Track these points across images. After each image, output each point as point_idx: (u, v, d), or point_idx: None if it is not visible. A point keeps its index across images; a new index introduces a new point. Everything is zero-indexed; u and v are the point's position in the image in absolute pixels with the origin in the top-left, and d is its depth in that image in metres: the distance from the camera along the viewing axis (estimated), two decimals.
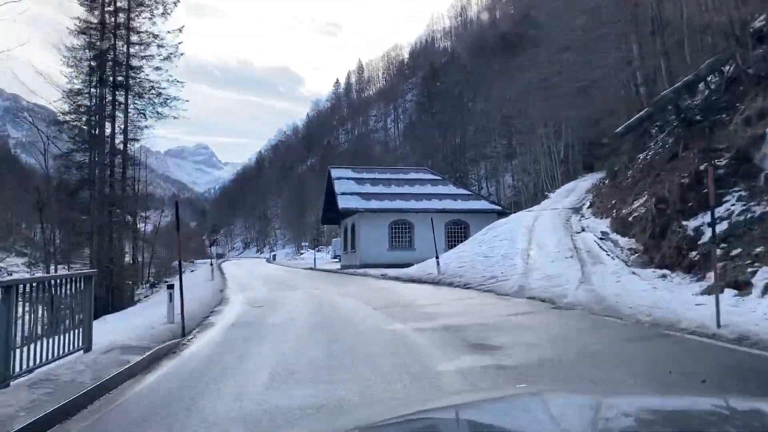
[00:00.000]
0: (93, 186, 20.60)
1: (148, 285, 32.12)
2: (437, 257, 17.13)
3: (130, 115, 28.07)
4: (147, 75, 27.91)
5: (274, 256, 76.13)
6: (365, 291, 15.40)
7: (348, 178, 34.34)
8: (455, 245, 32.77)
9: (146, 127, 28.92)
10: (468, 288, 14.22)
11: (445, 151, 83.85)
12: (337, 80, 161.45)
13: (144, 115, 28.57)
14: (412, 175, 35.79)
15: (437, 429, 1.52)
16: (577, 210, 27.41)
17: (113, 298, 21.65)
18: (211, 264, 23.49)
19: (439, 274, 16.71)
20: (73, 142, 24.30)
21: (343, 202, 31.76)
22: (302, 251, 74.29)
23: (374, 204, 32.09)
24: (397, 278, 19.93)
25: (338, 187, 33.19)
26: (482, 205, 33.73)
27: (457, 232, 33.05)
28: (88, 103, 26.19)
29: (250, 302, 13.72)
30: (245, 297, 15.29)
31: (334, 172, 35.15)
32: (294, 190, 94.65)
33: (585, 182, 35.82)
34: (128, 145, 27.15)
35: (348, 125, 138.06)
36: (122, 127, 26.44)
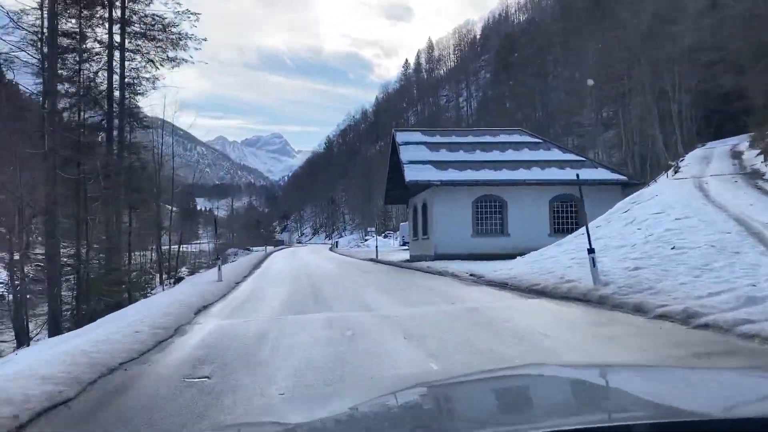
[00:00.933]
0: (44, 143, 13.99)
1: (173, 281, 25.87)
2: (591, 249, 8.87)
3: (133, 63, 21.53)
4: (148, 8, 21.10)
5: (337, 243, 69.90)
6: (452, 323, 7.45)
7: (417, 143, 26.33)
8: (565, 230, 24.22)
9: (156, 78, 22.37)
10: (706, 327, 5.94)
11: (526, 126, 75.31)
12: (407, 61, 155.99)
13: (153, 62, 21.98)
14: (503, 138, 27.21)
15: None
16: (752, 175, 19.55)
17: (81, 307, 15.21)
18: (218, 257, 16.34)
19: (599, 282, 8.50)
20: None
21: (411, 173, 23.87)
22: (367, 237, 67.36)
23: (453, 175, 23.97)
24: (502, 285, 11.87)
25: (405, 154, 25.27)
26: (600, 174, 24.76)
27: (567, 212, 24.43)
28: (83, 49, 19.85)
29: (202, 356, 6.19)
30: (216, 334, 7.79)
31: (400, 136, 27.21)
32: (362, 175, 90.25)
33: (721, 147, 27.86)
34: (130, 99, 20.71)
35: (418, 106, 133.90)
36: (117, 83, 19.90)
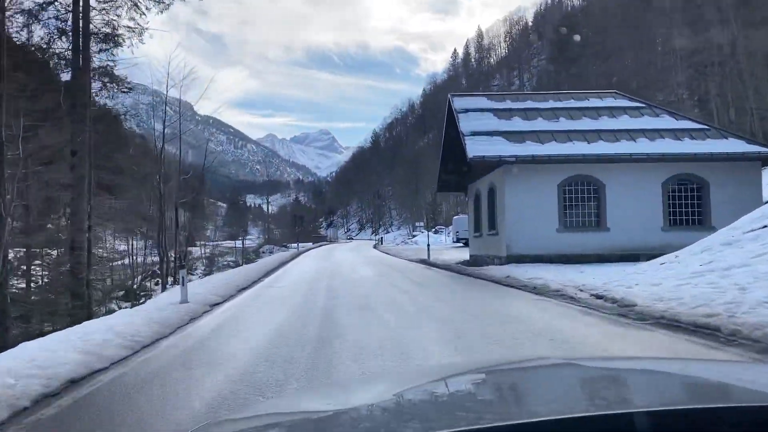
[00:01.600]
0: None
1: (173, 283, 21.03)
2: None
3: (113, 4, 16.54)
4: None
5: (381, 239, 64.36)
6: None
7: (482, 110, 20.30)
8: (685, 222, 17.81)
9: (144, 29, 17.28)
10: None
11: None
12: (455, 51, 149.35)
13: (137, 5, 16.95)
14: (594, 102, 20.79)
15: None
16: None
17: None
18: (182, 264, 10.58)
19: None
20: None
21: (474, 148, 17.88)
22: (415, 233, 61.48)
23: (531, 149, 17.84)
24: (702, 331, 5.80)
25: (465, 123, 19.29)
26: (734, 146, 18.04)
27: (687, 197, 17.94)
28: None
29: None
30: None
31: (458, 102, 21.19)
32: (409, 169, 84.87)
33: None
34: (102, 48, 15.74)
35: None
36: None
